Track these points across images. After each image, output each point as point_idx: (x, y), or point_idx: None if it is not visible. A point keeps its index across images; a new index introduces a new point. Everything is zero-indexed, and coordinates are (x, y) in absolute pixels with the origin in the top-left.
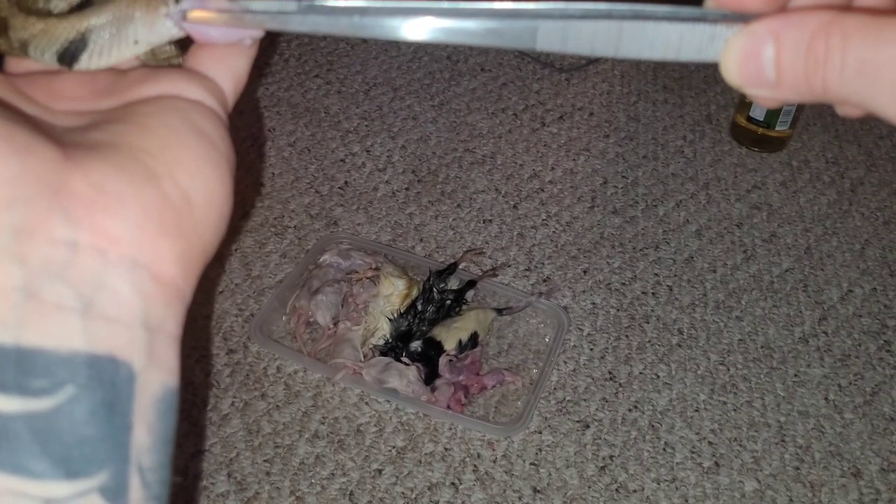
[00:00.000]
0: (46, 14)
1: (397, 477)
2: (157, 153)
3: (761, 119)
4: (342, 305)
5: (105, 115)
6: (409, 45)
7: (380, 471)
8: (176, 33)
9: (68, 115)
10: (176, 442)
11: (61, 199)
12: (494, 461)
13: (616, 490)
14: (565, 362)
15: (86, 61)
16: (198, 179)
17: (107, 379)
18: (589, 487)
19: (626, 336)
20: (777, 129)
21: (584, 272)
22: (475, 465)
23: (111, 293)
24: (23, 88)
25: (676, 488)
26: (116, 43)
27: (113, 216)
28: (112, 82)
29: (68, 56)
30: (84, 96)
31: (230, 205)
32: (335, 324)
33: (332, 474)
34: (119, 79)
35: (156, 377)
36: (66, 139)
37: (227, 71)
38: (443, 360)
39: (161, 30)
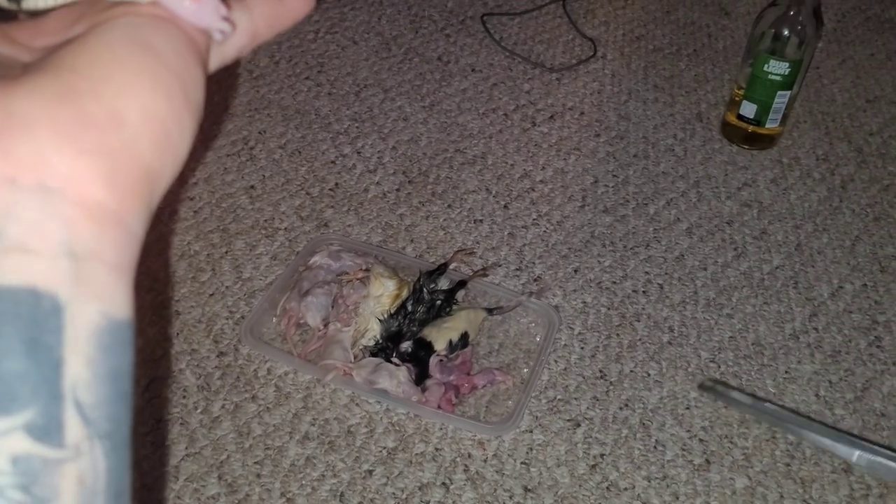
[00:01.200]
0: None
1: (388, 477)
2: (83, 70)
3: (752, 117)
4: (332, 307)
5: (67, 41)
6: (400, 46)
7: (370, 471)
8: None
9: (42, 51)
10: (135, 376)
11: None
12: (485, 461)
13: (607, 488)
14: (556, 361)
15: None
16: (129, 94)
17: (26, 312)
18: (580, 486)
19: (617, 334)
20: (767, 126)
21: (575, 271)
22: (466, 465)
23: (25, 222)
24: (10, 32)
25: (667, 486)
26: None
27: (21, 141)
28: (90, 6)
29: None
30: (62, 28)
31: (181, 122)
32: (325, 325)
33: (323, 475)
34: (96, 2)
35: (91, 308)
36: (9, 72)
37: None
38: (433, 361)
39: None
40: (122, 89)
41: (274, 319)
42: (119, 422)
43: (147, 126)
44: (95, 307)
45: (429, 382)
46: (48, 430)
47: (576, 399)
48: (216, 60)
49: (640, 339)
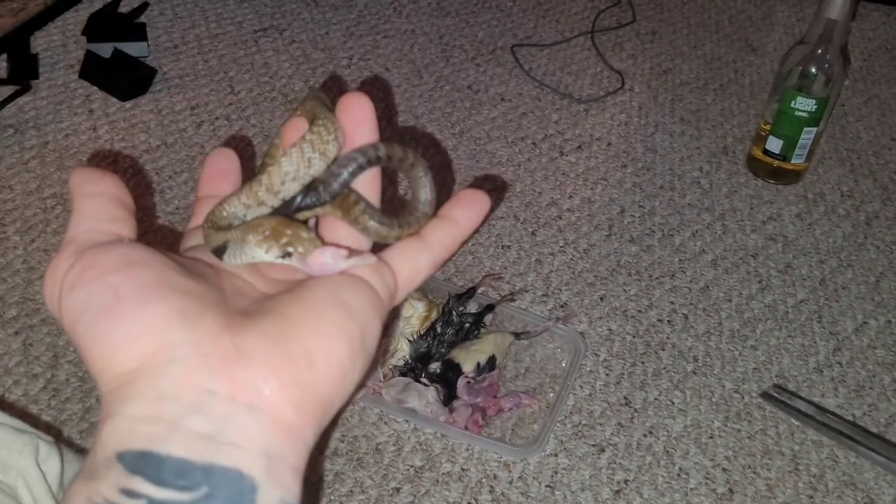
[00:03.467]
0: (227, 227)
1: (415, 496)
2: (293, 318)
3: (777, 152)
4: None
5: (293, 285)
6: (431, 74)
7: (398, 489)
8: (278, 261)
9: (275, 283)
10: None
11: (210, 358)
12: (510, 483)
13: None
14: (581, 387)
15: (226, 259)
16: (322, 342)
17: (233, 486)
18: None
19: (642, 362)
20: (793, 161)
21: (601, 299)
22: (491, 486)
23: (238, 427)
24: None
25: None
26: (243, 254)
27: (243, 370)
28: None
29: (217, 254)
30: (293, 270)
31: (356, 364)
32: None
33: (351, 491)
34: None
35: (275, 493)
36: (247, 304)
37: (406, 262)
38: (461, 382)
39: (266, 257)
40: (318, 337)
41: None
42: None
43: (329, 368)
44: (278, 493)
45: (456, 403)
46: None
47: (600, 425)
48: (404, 292)
49: (664, 368)
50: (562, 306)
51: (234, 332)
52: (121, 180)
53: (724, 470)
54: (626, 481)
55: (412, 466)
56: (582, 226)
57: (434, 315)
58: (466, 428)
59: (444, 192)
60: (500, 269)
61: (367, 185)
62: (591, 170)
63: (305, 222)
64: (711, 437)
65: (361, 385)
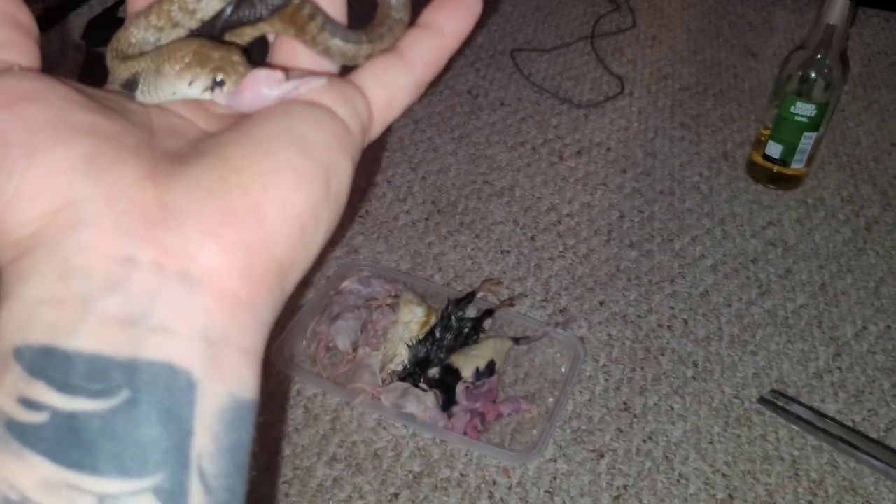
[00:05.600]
0: (137, 56)
1: (413, 501)
2: (236, 161)
3: (777, 157)
4: (362, 331)
5: (240, 119)
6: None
7: (396, 495)
8: (207, 96)
9: (221, 118)
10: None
11: (128, 217)
12: (509, 488)
13: None
14: (581, 392)
15: (139, 97)
16: (273, 190)
17: (163, 385)
18: None
19: (642, 368)
20: (793, 166)
21: (601, 304)
22: (490, 492)
23: (167, 306)
24: None
25: None
26: (159, 89)
27: (171, 232)
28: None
29: (127, 90)
30: None
31: (319, 215)
32: (355, 349)
33: (350, 497)
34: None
35: (221, 387)
36: (180, 146)
37: (382, 85)
38: (460, 387)
39: (191, 91)
40: (268, 183)
41: (304, 342)
42: (235, 493)
43: (284, 222)
44: (224, 387)
45: (455, 409)
46: (174, 496)
47: (600, 430)
48: (382, 123)
49: (664, 373)
50: (561, 311)
51: (160, 183)
52: None
53: (723, 475)
54: (625, 487)
55: (411, 472)
56: (581, 231)
57: (433, 320)
58: (465, 433)
59: (443, 197)
60: (500, 274)
61: None
62: (591, 175)
63: (245, 48)
64: (711, 443)
65: (333, 242)
